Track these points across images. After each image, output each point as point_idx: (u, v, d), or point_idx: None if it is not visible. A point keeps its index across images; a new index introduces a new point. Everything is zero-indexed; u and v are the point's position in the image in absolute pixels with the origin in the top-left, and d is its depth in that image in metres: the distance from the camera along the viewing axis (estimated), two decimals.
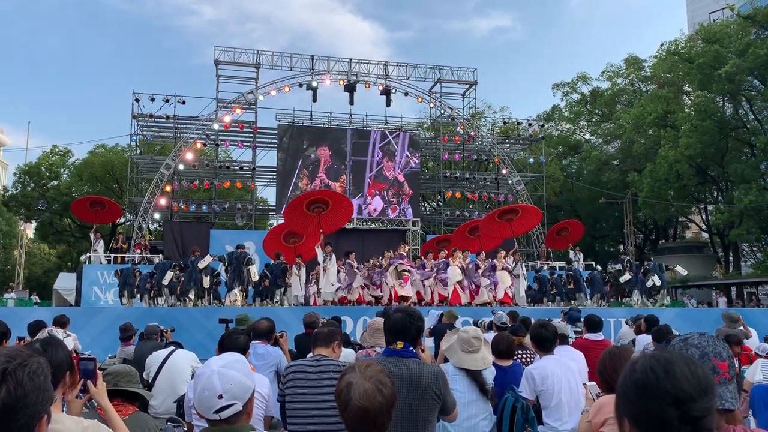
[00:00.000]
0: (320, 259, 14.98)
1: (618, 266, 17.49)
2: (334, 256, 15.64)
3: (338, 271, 15.66)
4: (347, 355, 5.20)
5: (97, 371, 2.57)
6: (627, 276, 16.68)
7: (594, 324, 6.53)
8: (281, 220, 26.83)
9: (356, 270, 16.02)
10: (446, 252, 16.73)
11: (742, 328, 8.47)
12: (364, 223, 29.18)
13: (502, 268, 15.65)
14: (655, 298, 16.16)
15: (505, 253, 16.24)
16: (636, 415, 1.38)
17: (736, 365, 6.18)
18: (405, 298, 14.65)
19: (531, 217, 18.57)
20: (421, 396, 3.15)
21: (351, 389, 1.99)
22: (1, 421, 1.36)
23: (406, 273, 14.84)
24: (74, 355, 2.62)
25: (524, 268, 17.28)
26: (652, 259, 17.89)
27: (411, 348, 3.31)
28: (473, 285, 15.59)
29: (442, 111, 31.47)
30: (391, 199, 28.52)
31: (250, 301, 15.62)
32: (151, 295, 15.86)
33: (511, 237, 17.64)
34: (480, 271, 15.62)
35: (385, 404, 2.00)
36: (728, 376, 1.79)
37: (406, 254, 15.97)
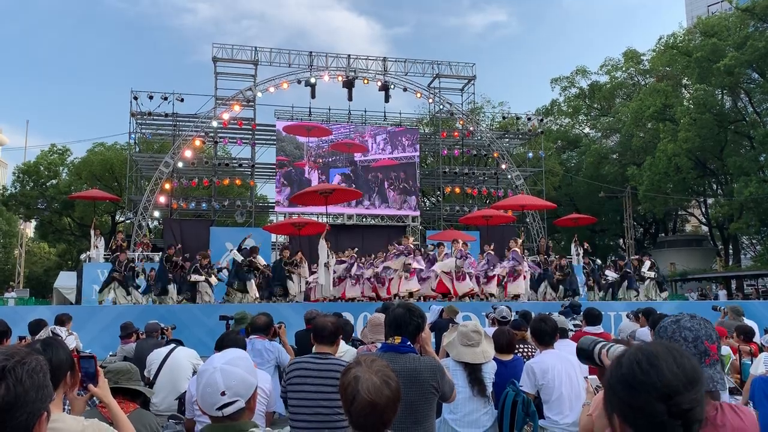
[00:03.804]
0: (323, 255, 14.93)
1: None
2: (332, 254, 15.69)
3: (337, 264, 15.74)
4: (347, 352, 5.19)
5: (98, 368, 2.57)
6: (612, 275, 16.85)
7: (593, 317, 6.55)
8: (281, 218, 26.93)
9: (355, 265, 16.03)
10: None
11: (746, 320, 8.46)
12: (364, 219, 29.20)
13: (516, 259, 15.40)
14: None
15: (517, 241, 16.07)
16: (624, 410, 1.37)
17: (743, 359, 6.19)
18: (411, 293, 14.63)
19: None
20: (420, 391, 3.16)
21: (358, 383, 1.98)
22: (1, 418, 1.36)
23: (411, 266, 14.80)
24: (75, 353, 2.62)
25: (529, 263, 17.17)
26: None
27: (409, 343, 3.31)
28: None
29: (441, 106, 31.43)
30: (392, 194, 28.51)
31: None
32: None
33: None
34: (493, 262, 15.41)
35: (392, 398, 2.00)
36: (717, 357, 1.84)
37: (411, 246, 15.83)
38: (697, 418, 1.34)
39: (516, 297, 14.84)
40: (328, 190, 16.22)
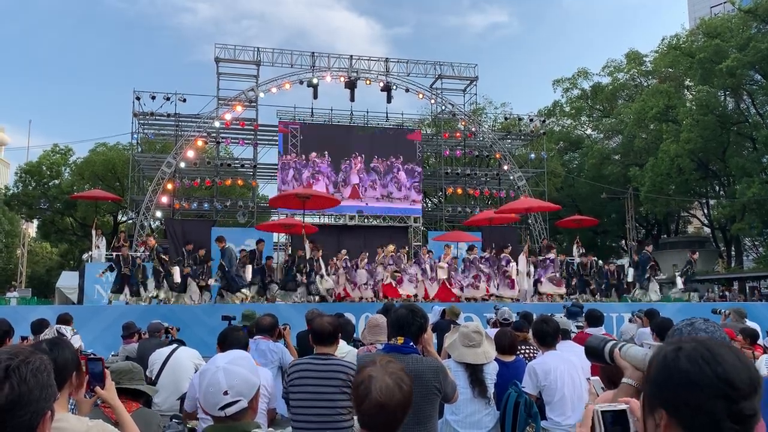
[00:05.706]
0: (307, 254, 15.20)
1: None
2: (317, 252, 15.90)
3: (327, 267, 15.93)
4: (349, 353, 5.19)
5: (106, 371, 2.58)
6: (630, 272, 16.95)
7: (595, 319, 6.54)
8: (282, 217, 26.91)
9: (352, 267, 16.13)
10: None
11: (748, 322, 8.42)
12: (366, 220, 29.19)
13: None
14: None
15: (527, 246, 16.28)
16: (679, 408, 1.27)
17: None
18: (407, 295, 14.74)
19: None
20: (423, 392, 3.16)
21: (371, 383, 1.99)
22: (5, 417, 1.37)
23: (398, 273, 15.13)
24: (81, 354, 2.63)
25: (531, 264, 17.28)
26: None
27: (411, 344, 3.32)
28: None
29: (443, 107, 31.40)
30: (395, 195, 28.49)
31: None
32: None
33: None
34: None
35: (403, 401, 2.00)
36: None
37: (392, 254, 16.12)
38: (753, 427, 1.25)
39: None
40: (307, 195, 16.41)
